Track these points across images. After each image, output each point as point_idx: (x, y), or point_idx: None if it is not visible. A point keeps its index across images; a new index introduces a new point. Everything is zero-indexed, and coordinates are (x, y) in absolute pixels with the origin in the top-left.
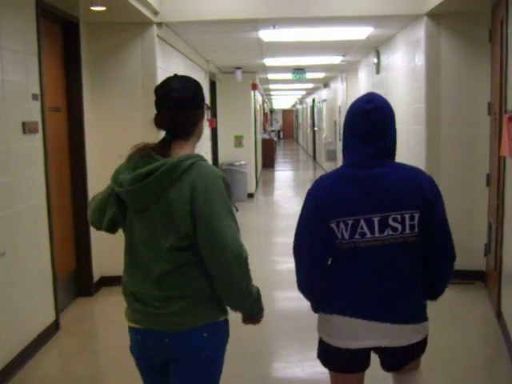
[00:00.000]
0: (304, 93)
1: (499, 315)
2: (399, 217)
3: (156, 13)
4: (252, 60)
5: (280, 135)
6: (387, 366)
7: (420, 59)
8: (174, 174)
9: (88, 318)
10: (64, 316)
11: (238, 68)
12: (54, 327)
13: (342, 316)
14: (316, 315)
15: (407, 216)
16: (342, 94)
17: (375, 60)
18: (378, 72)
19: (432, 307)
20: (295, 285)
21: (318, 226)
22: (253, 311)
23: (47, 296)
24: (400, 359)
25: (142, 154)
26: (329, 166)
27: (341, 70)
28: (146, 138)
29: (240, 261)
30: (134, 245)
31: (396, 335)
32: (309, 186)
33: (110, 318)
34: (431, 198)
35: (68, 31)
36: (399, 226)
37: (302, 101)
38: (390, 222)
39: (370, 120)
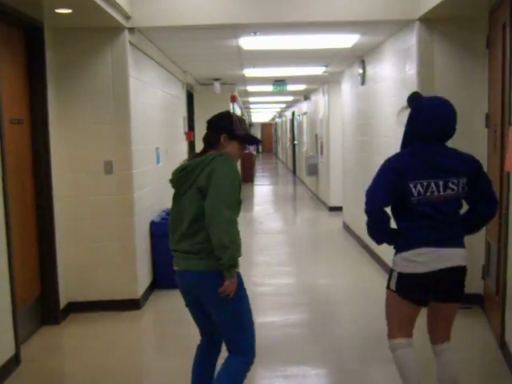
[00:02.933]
0: (283, 106)
1: (503, 345)
2: (456, 181)
3: (128, 17)
4: (231, 71)
5: (259, 149)
6: (445, 294)
7: (411, 68)
8: (201, 166)
9: (53, 349)
10: (26, 348)
11: (217, 79)
12: (14, 362)
13: (427, 247)
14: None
15: (461, 181)
16: (324, 107)
17: (360, 70)
18: (363, 83)
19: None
20: (281, 310)
21: (395, 186)
22: (229, 263)
23: (6, 328)
24: (457, 286)
25: (189, 158)
26: (310, 181)
27: (322, 82)
28: (117, 152)
29: (227, 223)
30: (172, 217)
31: (459, 257)
32: (290, 201)
33: (77, 350)
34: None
35: (31, 36)
36: (456, 188)
37: (281, 114)
38: (450, 185)
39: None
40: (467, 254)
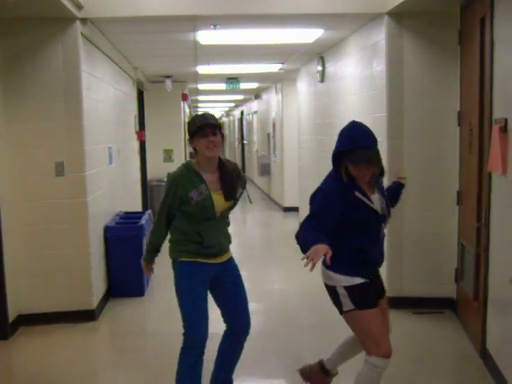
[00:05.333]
0: (232, 105)
1: (484, 353)
2: None
3: (80, 7)
4: (184, 68)
5: None
6: None
7: (379, 64)
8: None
9: (1, 368)
10: None
11: (168, 77)
12: None
13: None
14: None
15: None
16: (277, 106)
17: (319, 68)
18: (322, 80)
19: (402, 342)
20: None
21: None
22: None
23: None
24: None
25: None
26: (262, 181)
27: (276, 80)
28: (69, 152)
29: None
30: None
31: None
32: (241, 201)
33: (28, 367)
34: None
35: None
36: None
37: (228, 113)
38: None
39: None
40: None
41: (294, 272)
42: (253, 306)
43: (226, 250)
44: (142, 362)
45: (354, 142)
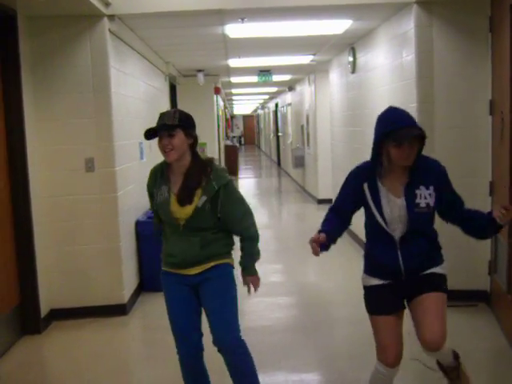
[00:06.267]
0: (267, 97)
1: None
2: None
3: (107, 4)
4: (215, 61)
5: (241, 141)
6: None
7: (408, 54)
8: None
9: (34, 362)
10: (4, 362)
11: (200, 70)
12: None
13: None
14: None
15: None
16: (310, 97)
17: (350, 58)
18: (353, 71)
19: None
20: (274, 312)
21: None
22: None
23: None
24: None
25: None
26: (296, 173)
27: (308, 72)
28: (99, 148)
29: None
30: None
31: None
32: (276, 194)
33: (61, 361)
34: None
35: (3, 25)
36: None
37: (263, 106)
38: None
39: None
40: None
41: (329, 265)
42: (286, 300)
43: (197, 262)
44: (172, 357)
45: (396, 122)
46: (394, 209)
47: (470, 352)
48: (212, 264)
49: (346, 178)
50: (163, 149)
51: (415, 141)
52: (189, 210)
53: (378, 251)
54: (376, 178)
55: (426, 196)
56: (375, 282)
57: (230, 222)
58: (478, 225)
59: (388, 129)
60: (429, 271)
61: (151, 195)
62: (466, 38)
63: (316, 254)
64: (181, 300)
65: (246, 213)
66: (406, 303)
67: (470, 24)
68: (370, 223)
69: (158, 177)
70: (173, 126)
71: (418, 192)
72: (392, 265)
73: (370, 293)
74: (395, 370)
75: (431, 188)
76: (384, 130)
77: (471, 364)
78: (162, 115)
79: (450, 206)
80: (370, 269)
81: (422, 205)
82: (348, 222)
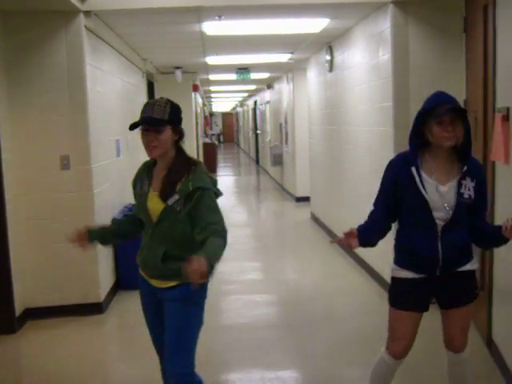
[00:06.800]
0: (245, 95)
1: (490, 344)
2: None
3: (83, 0)
4: (193, 58)
5: (220, 139)
6: None
7: (385, 53)
8: None
9: (9, 361)
10: None
11: (178, 68)
12: None
13: None
14: None
15: None
16: (288, 95)
17: (328, 57)
18: (330, 70)
19: None
20: (252, 310)
21: None
22: None
23: None
24: None
25: None
26: (274, 171)
27: (286, 70)
28: (74, 145)
29: None
30: None
31: None
32: (255, 191)
33: (36, 360)
34: None
35: None
36: None
37: (242, 103)
38: None
39: None
40: None
41: (307, 263)
42: (264, 297)
43: (159, 276)
44: (148, 355)
45: (437, 99)
46: (438, 195)
47: (441, 346)
48: (173, 283)
49: (385, 171)
50: (147, 144)
51: (457, 120)
52: (160, 206)
53: (416, 240)
54: (418, 163)
55: (469, 188)
56: (407, 274)
57: (195, 223)
58: (485, 237)
59: (429, 106)
60: (463, 268)
61: (133, 185)
62: (441, 38)
63: (350, 247)
64: (154, 317)
65: (219, 222)
66: (435, 302)
67: (445, 24)
68: (412, 210)
69: (146, 170)
70: (162, 121)
71: (463, 182)
72: (430, 254)
73: (397, 285)
74: (401, 361)
75: (474, 181)
76: (426, 108)
77: (443, 358)
78: (151, 105)
79: (473, 208)
80: (402, 260)
81: (466, 195)
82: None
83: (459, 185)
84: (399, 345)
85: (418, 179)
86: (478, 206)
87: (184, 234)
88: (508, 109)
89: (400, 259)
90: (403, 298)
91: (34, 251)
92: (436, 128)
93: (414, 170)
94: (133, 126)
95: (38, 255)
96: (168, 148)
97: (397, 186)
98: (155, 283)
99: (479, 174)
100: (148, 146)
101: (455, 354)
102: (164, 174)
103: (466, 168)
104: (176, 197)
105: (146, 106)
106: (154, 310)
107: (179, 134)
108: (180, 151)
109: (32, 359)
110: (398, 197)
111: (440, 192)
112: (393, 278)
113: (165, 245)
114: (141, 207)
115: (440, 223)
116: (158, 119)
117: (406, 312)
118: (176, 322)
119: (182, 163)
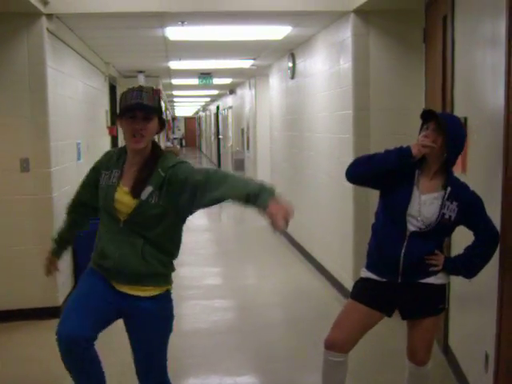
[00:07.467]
0: (208, 100)
1: (446, 349)
2: None
3: (45, 2)
4: (156, 63)
5: (182, 143)
6: None
7: (345, 61)
8: None
9: None
10: None
11: (141, 72)
12: None
13: None
14: None
15: None
16: (250, 101)
17: (290, 64)
18: (292, 77)
19: (361, 342)
20: (210, 315)
21: None
22: None
23: None
24: None
25: None
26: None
27: (249, 76)
28: (35, 148)
29: None
30: None
31: None
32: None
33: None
34: None
35: None
36: None
37: (205, 108)
38: None
39: None
40: None
41: (267, 268)
42: (222, 303)
43: (135, 279)
44: (107, 359)
45: (425, 112)
46: (417, 203)
47: (397, 352)
48: (151, 290)
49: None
50: (133, 133)
51: (441, 132)
52: (132, 203)
53: (384, 238)
54: (416, 168)
55: (452, 209)
56: (371, 276)
57: (202, 191)
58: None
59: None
60: (426, 281)
61: (96, 172)
62: (401, 48)
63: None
64: (96, 293)
65: (218, 171)
66: (398, 312)
67: (406, 34)
68: (392, 206)
69: (114, 159)
70: (153, 109)
71: (447, 203)
72: (392, 253)
73: (360, 281)
74: (341, 359)
75: (456, 204)
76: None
77: (400, 364)
78: (138, 92)
79: (471, 229)
80: (369, 262)
81: (446, 216)
82: None
83: (443, 205)
84: (331, 332)
85: (415, 181)
86: (471, 229)
87: (155, 228)
88: (466, 118)
89: (368, 262)
90: (360, 291)
91: None
92: (420, 137)
93: (417, 172)
94: (125, 111)
95: None
96: (149, 141)
97: (398, 173)
98: (124, 288)
99: (465, 197)
100: (134, 135)
101: (416, 367)
102: (136, 169)
103: (449, 189)
104: (150, 188)
105: (132, 92)
106: (98, 291)
107: (161, 126)
108: (155, 146)
109: None
110: (390, 184)
111: (420, 201)
112: (360, 278)
113: (141, 241)
114: (107, 201)
115: (411, 228)
116: (150, 106)
117: (357, 303)
118: (153, 341)
119: (155, 159)
